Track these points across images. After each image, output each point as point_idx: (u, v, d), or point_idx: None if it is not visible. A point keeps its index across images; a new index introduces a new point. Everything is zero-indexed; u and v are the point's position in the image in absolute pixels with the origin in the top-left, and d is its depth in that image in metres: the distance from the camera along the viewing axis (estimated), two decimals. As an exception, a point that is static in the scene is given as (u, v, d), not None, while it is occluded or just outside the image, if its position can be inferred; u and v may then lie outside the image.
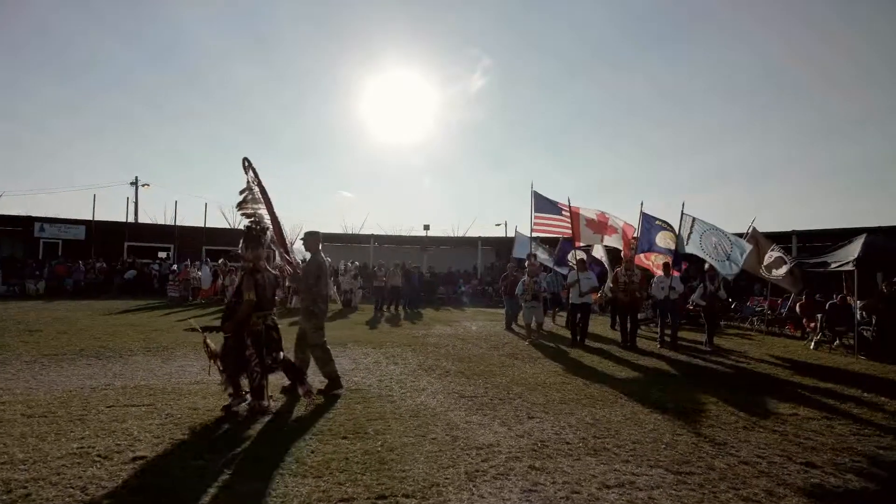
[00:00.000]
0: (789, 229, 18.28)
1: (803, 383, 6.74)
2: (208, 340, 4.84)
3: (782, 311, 12.73)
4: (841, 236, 10.17)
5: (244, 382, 4.71)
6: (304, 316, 5.50)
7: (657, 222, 8.89)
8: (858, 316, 9.60)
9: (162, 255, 26.72)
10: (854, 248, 8.77)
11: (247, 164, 4.96)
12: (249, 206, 4.91)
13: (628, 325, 9.22)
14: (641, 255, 9.85)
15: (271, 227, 5.00)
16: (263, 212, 4.97)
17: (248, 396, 4.70)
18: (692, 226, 8.71)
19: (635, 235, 9.60)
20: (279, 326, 5.01)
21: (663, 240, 8.86)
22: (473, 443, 4.06)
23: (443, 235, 30.92)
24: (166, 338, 9.04)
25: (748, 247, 8.30)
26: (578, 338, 9.39)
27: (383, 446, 3.93)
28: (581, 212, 9.56)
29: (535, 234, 10.46)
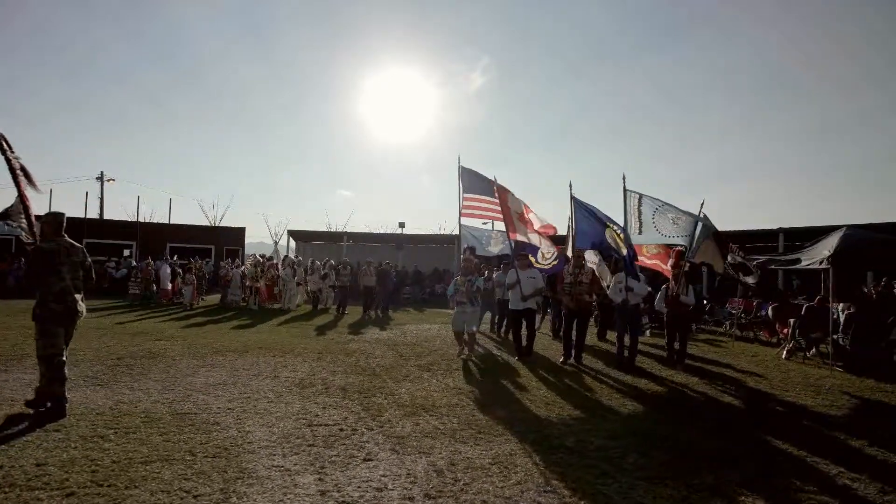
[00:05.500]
0: (776, 227, 17.00)
1: (756, 406, 5.53)
2: None
3: (761, 314, 11.50)
4: (831, 235, 8.88)
5: None
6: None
7: (597, 216, 7.38)
8: (841, 321, 8.40)
9: (126, 252, 25.63)
10: (830, 244, 7.53)
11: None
12: None
13: (573, 336, 7.82)
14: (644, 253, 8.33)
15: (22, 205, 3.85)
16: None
17: None
18: (640, 205, 7.17)
19: (572, 234, 8.07)
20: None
21: (613, 238, 7.42)
22: (243, 506, 2.88)
23: (421, 233, 29.67)
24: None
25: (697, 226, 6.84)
26: (524, 348, 8.01)
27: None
28: (511, 201, 8.08)
29: (462, 220, 8.98)
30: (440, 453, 3.75)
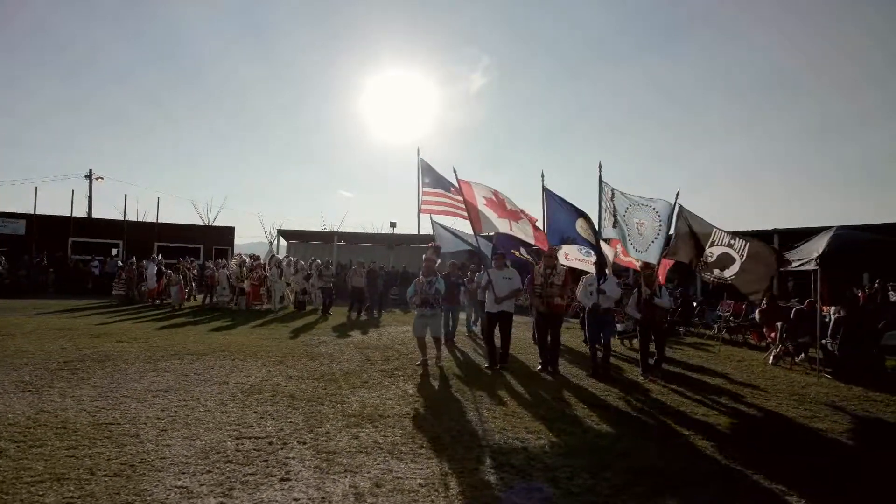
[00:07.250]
0: (770, 227, 16.63)
1: (731, 418, 5.16)
2: None
3: (750, 317, 11.11)
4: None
5: None
6: None
7: (569, 207, 6.98)
8: (831, 325, 8.01)
9: (113, 251, 25.34)
10: (818, 245, 7.15)
11: None
12: None
13: (548, 342, 7.24)
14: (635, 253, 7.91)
15: None
16: None
17: None
18: (612, 200, 6.78)
19: (538, 225, 7.71)
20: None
21: (584, 229, 7.03)
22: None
23: (412, 233, 29.27)
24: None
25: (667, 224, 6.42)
26: (500, 354, 7.55)
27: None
28: (475, 188, 7.63)
29: (437, 218, 8.61)
30: (368, 472, 3.39)
